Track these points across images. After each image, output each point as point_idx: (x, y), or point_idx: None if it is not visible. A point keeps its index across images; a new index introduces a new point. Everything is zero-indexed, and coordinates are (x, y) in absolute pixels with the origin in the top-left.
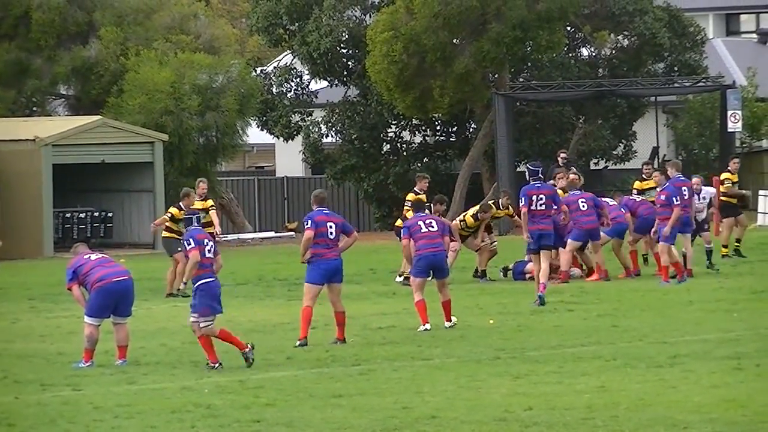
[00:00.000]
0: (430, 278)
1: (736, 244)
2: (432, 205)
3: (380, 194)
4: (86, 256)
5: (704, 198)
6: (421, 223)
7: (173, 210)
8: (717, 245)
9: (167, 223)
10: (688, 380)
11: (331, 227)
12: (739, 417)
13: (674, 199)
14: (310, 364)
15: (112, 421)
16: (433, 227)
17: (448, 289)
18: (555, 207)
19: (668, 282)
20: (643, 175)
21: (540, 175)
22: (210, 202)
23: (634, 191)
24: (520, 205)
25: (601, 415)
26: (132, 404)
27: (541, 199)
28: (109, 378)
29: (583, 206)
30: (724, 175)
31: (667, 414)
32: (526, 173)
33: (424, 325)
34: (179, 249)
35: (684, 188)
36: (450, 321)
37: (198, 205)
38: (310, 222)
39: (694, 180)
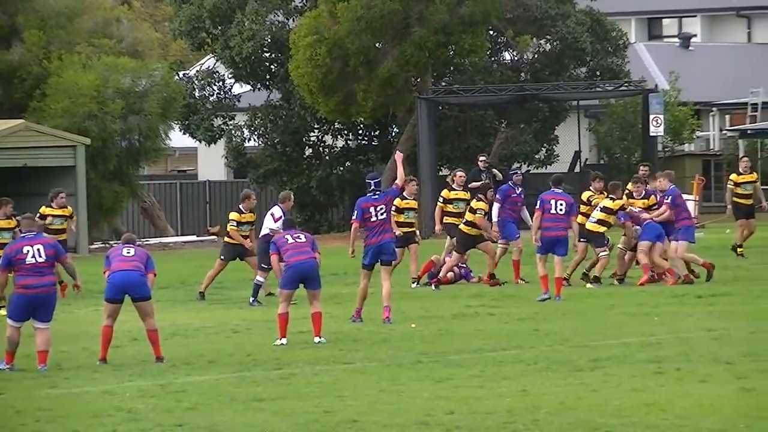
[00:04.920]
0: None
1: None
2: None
3: (302, 198)
4: (25, 250)
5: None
6: (288, 236)
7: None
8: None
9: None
10: (609, 384)
11: (129, 252)
12: (660, 421)
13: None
14: (232, 368)
15: (34, 425)
16: (300, 239)
17: (320, 302)
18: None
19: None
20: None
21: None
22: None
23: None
24: (354, 219)
25: (523, 418)
26: (54, 408)
27: (381, 209)
28: (30, 382)
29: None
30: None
31: (588, 417)
32: (370, 184)
33: (280, 339)
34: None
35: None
36: (319, 336)
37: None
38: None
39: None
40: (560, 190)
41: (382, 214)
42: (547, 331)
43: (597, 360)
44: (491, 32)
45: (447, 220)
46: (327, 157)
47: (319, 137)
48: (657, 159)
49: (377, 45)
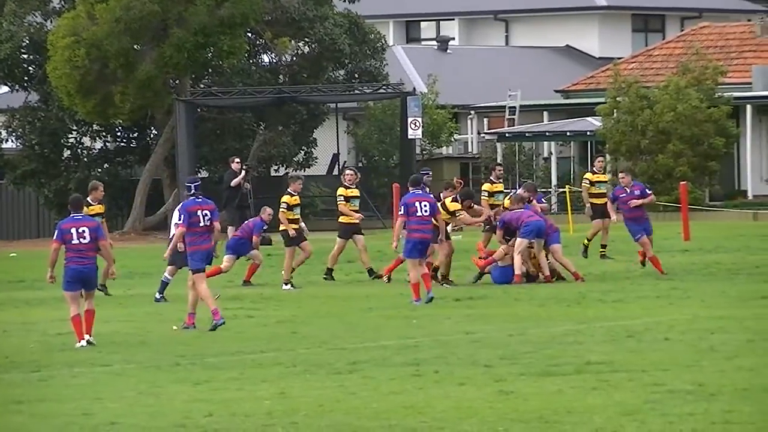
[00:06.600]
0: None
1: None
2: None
3: (61, 200)
4: None
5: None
6: (74, 231)
7: None
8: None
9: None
10: (368, 387)
11: None
12: (418, 423)
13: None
14: None
15: None
16: (84, 239)
17: (94, 301)
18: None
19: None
20: (492, 178)
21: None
22: None
23: (485, 194)
24: (179, 223)
25: (282, 421)
26: None
27: (207, 215)
28: None
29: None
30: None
31: (347, 420)
32: (190, 188)
33: (79, 341)
34: None
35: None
36: (90, 335)
37: None
38: None
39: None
40: (421, 192)
41: (208, 219)
42: (306, 334)
43: (355, 363)
44: (250, 34)
45: (344, 219)
46: (86, 159)
47: (78, 139)
48: (415, 162)
49: (136, 47)
